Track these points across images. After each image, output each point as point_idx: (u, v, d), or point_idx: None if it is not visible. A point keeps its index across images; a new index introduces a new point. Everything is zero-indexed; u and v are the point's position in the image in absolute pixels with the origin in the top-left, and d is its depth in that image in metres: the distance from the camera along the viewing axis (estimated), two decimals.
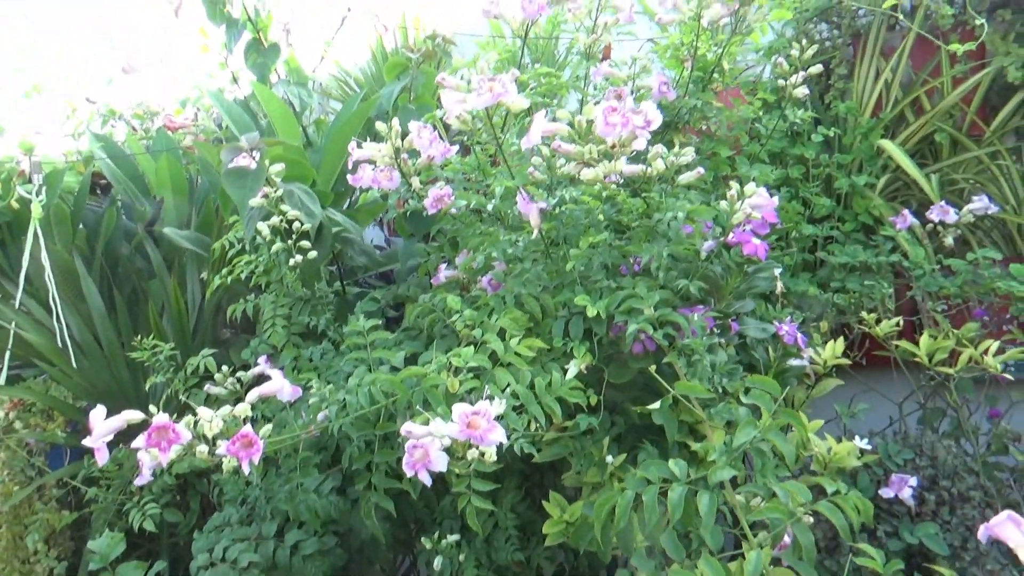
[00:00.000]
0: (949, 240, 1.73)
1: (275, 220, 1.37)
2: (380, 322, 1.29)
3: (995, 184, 2.07)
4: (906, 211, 1.78)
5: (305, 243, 1.38)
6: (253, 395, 1.08)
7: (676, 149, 1.20)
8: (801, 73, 1.54)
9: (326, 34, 2.73)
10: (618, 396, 1.26)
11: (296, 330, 1.70)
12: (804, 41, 1.52)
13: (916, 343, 1.48)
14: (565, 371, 1.17)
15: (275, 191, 1.34)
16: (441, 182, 1.45)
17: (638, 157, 1.19)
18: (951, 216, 1.70)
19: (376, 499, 1.16)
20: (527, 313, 1.29)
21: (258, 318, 1.80)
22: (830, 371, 1.43)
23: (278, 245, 1.35)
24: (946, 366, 1.38)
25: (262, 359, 1.58)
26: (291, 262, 1.35)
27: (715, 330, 1.21)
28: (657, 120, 1.08)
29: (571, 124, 1.12)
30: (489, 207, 1.30)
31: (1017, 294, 1.48)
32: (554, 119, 1.13)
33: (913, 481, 1.34)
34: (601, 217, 1.30)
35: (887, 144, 1.96)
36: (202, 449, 0.98)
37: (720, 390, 1.16)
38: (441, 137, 1.35)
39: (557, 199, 1.26)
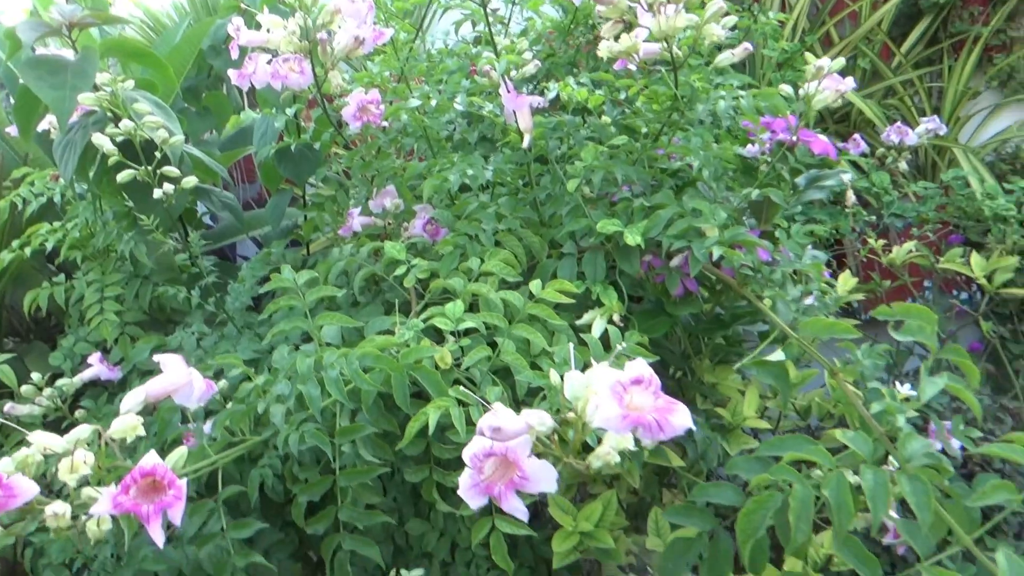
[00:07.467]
0: (903, 165, 1.59)
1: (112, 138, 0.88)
2: (316, 274, 0.86)
3: (901, 113, 2.00)
4: (857, 136, 1.61)
5: (171, 169, 0.89)
6: (135, 398, 0.61)
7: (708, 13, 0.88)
8: None
9: None
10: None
11: (133, 318, 1.21)
12: None
13: None
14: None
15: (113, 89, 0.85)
16: (359, 87, 1.04)
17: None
18: (911, 137, 1.55)
19: (352, 544, 0.73)
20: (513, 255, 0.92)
21: (65, 311, 1.27)
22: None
23: (128, 173, 0.85)
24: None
25: (94, 357, 1.08)
26: (156, 194, 0.86)
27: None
28: None
29: None
30: (458, 107, 0.91)
31: (1000, 213, 1.34)
32: None
33: None
34: (607, 121, 0.96)
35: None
36: (58, 511, 0.52)
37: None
38: None
39: (556, 89, 0.90)
